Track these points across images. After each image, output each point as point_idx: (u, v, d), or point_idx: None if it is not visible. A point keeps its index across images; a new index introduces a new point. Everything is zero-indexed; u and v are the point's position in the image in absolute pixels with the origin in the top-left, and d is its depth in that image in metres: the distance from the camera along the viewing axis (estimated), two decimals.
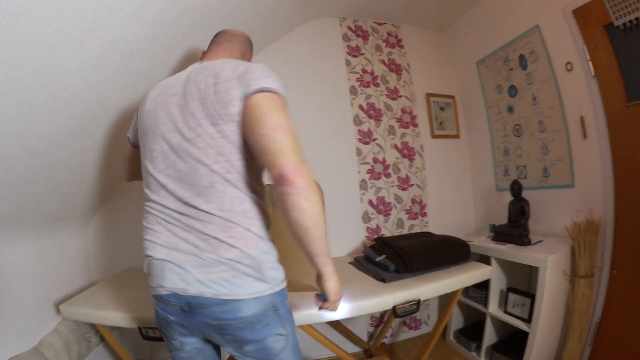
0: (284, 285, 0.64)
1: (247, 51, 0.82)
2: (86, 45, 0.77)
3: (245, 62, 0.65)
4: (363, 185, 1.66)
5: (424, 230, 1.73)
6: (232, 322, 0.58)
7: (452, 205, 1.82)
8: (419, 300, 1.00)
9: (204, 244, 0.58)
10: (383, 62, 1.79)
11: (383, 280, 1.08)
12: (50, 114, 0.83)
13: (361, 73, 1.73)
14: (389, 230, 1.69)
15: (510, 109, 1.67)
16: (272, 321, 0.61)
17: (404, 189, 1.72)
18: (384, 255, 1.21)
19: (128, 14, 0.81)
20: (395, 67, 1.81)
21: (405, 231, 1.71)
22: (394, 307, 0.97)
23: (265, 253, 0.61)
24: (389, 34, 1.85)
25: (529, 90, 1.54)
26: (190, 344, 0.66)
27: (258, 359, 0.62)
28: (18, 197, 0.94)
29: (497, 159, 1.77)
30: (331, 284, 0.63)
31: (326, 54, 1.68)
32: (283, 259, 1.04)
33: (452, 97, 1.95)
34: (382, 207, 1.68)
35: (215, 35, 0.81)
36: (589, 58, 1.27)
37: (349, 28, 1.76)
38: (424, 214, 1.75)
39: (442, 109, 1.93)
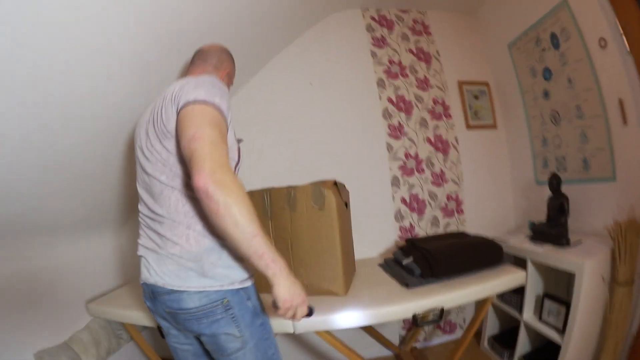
0: (242, 285, 0.67)
1: (222, 61, 0.86)
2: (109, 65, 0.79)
3: (196, 77, 0.69)
4: (395, 182, 1.57)
5: (460, 229, 1.61)
6: (179, 312, 0.65)
7: (491, 201, 1.69)
8: (442, 309, 0.92)
9: (160, 242, 0.67)
10: (411, 51, 1.69)
11: (407, 285, 1.03)
12: (78, 130, 0.87)
13: (388, 64, 1.64)
14: (423, 229, 1.59)
15: (546, 94, 1.52)
16: (222, 319, 0.65)
17: (438, 185, 1.62)
18: (410, 258, 1.15)
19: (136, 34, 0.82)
20: (424, 56, 1.71)
21: (440, 230, 1.61)
22: (414, 316, 0.91)
23: (209, 250, 0.65)
24: (414, 21, 1.74)
25: (564, 72, 1.39)
26: (165, 327, 0.75)
27: (215, 352, 0.69)
28: (52, 206, 0.99)
29: (535, 150, 1.62)
30: (278, 289, 0.60)
31: (350, 47, 1.61)
32: (301, 263, 1.03)
33: (486, 84, 1.81)
34: (415, 204, 1.59)
35: (193, 55, 0.89)
36: (622, 32, 1.11)
37: (372, 18, 1.68)
38: (460, 211, 1.64)
39: (476, 97, 1.79)
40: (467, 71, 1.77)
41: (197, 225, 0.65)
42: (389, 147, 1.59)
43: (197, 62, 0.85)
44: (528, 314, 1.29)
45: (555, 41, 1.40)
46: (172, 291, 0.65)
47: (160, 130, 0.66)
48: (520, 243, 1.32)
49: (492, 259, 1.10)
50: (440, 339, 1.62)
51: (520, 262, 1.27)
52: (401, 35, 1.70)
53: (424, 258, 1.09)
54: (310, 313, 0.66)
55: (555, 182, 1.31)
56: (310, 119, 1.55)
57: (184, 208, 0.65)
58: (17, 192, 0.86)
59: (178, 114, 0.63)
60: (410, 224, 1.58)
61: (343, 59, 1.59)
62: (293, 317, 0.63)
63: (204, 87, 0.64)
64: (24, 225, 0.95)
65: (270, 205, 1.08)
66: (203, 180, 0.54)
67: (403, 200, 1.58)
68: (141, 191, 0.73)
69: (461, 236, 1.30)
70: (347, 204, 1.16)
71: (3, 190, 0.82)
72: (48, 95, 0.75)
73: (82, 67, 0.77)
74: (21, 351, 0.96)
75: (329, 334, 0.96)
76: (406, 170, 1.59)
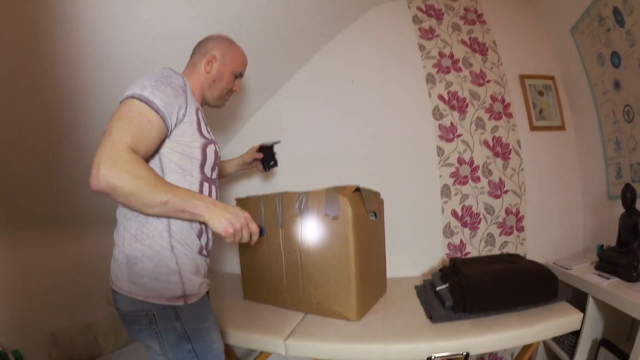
0: (170, 303, 0.63)
1: (207, 47, 0.80)
2: None
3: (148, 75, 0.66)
4: (445, 191, 1.38)
5: (519, 250, 1.38)
6: (117, 311, 0.67)
7: (557, 218, 1.43)
8: (467, 354, 0.76)
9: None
10: (463, 42, 1.50)
11: (431, 318, 0.89)
12: None
13: (438, 57, 1.46)
14: (475, 248, 1.38)
15: (616, 85, 1.25)
16: (146, 331, 0.64)
17: (496, 197, 1.39)
18: (446, 285, 0.99)
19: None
20: (478, 47, 1.50)
21: (495, 250, 1.38)
22: None
23: (139, 256, 0.63)
24: (466, 9, 1.54)
25: (634, 55, 1.12)
26: None
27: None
28: (86, 201, 1.03)
29: (607, 155, 1.34)
30: (212, 224, 0.61)
31: (395, 41, 1.47)
32: (310, 278, 0.92)
33: (551, 77, 1.56)
34: (468, 218, 1.38)
35: None
36: None
37: (419, 9, 1.51)
38: (520, 229, 1.40)
39: (540, 93, 1.54)
40: (529, 63, 1.53)
41: (131, 228, 0.64)
42: (440, 151, 1.40)
43: (192, 55, 0.82)
44: None
45: (619, 17, 1.15)
46: (112, 290, 0.67)
47: None
48: (583, 272, 1.07)
49: (544, 294, 0.90)
50: None
51: (581, 295, 1.03)
52: (452, 25, 1.51)
53: (459, 286, 0.92)
54: (261, 232, 0.67)
55: (629, 195, 1.03)
56: (350, 120, 1.44)
57: (123, 210, 0.67)
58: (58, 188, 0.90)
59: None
60: (461, 241, 1.38)
61: (387, 54, 1.45)
62: (249, 242, 0.65)
63: (139, 81, 0.62)
64: (62, 216, 1.03)
65: (282, 212, 0.99)
66: (92, 177, 0.53)
67: (454, 213, 1.38)
68: None
69: (512, 260, 1.08)
70: (376, 214, 1.02)
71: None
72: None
73: None
74: (35, 327, 1.03)
75: None
76: (459, 178, 1.39)
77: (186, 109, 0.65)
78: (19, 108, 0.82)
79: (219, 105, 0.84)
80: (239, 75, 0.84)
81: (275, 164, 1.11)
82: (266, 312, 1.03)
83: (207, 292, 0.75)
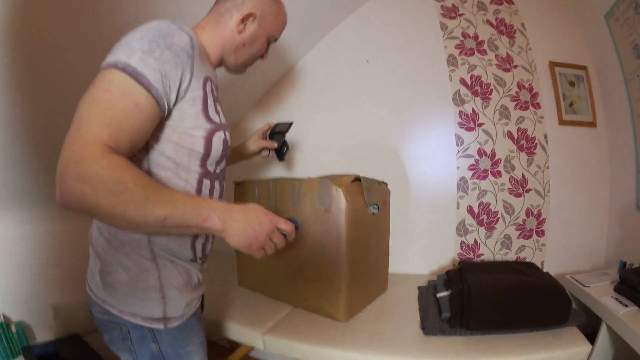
0: (147, 324, 0.52)
1: (227, 2, 0.60)
2: None
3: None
4: (462, 185, 1.25)
5: (535, 257, 1.25)
6: (90, 314, 0.57)
7: (581, 224, 1.29)
8: None
9: None
10: (489, 22, 1.35)
11: (424, 329, 0.83)
12: None
13: (461, 38, 1.32)
14: (490, 250, 1.25)
15: None
16: (119, 344, 0.55)
17: (517, 195, 1.26)
18: (449, 291, 0.90)
19: None
20: (505, 29, 1.35)
21: (511, 254, 1.26)
22: None
23: (115, 265, 0.51)
24: None
25: None
26: None
27: None
28: None
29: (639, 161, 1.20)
30: (231, 241, 0.47)
31: (415, 19, 1.34)
32: (300, 270, 0.87)
33: (583, 67, 1.41)
34: (485, 217, 1.25)
35: None
36: None
37: None
38: (540, 233, 1.26)
39: (571, 84, 1.40)
40: (560, 50, 1.38)
41: (104, 231, 0.52)
42: (459, 140, 1.26)
43: (216, 2, 0.63)
44: None
45: None
46: (87, 292, 0.57)
47: None
48: (600, 292, 0.94)
49: (554, 317, 0.80)
50: None
51: (593, 322, 0.90)
52: (477, 4, 1.37)
53: (460, 297, 0.84)
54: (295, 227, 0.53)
55: None
56: (364, 103, 1.32)
57: None
58: None
59: None
60: (475, 241, 1.25)
61: (406, 32, 1.32)
62: (275, 249, 0.51)
63: (125, 42, 0.45)
64: None
65: (276, 199, 0.91)
66: (57, 190, 0.38)
67: (470, 210, 1.25)
68: None
69: (526, 271, 0.98)
70: (379, 207, 0.93)
71: None
72: None
73: None
74: (38, 302, 1.03)
75: None
76: (478, 172, 1.26)
77: (190, 80, 0.48)
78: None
79: (240, 72, 0.67)
80: (273, 41, 0.67)
81: (288, 149, 0.95)
82: (255, 302, 0.98)
83: (201, 302, 0.64)
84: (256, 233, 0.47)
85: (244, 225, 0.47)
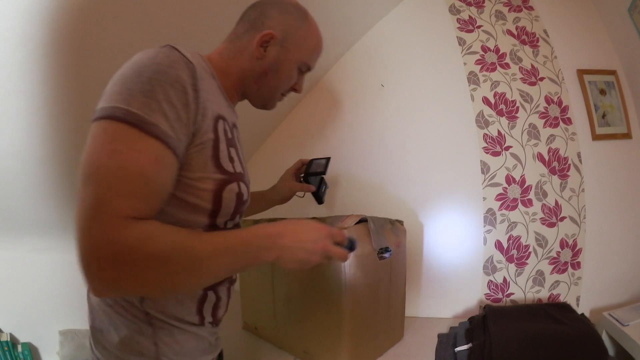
0: None
1: (264, 15, 0.51)
2: None
3: (143, 54, 0.40)
4: (490, 218, 1.13)
5: (570, 293, 1.12)
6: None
7: (619, 251, 1.16)
8: None
9: None
10: (510, 32, 1.24)
11: None
12: None
13: (481, 52, 1.21)
14: (520, 288, 1.14)
15: None
16: None
17: (551, 225, 1.14)
18: (469, 345, 0.82)
19: None
20: (528, 38, 1.24)
21: (544, 292, 1.13)
22: None
23: (107, 322, 0.45)
24: None
25: None
26: None
27: None
28: None
29: None
30: (286, 266, 0.42)
31: (430, 35, 1.24)
32: (298, 319, 0.83)
33: (613, 72, 1.29)
34: (515, 252, 1.13)
35: None
36: None
37: None
38: (575, 265, 1.14)
39: (602, 92, 1.27)
40: (587, 55, 1.26)
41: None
42: (485, 168, 1.15)
43: (236, 24, 0.55)
44: None
45: None
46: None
47: None
48: (639, 332, 0.83)
49: None
50: None
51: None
52: (495, 13, 1.26)
53: (481, 350, 0.76)
54: (351, 246, 0.48)
55: None
56: (378, 131, 1.22)
57: None
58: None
59: None
60: (504, 280, 1.13)
61: (421, 51, 1.22)
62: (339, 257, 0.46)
63: (120, 83, 0.37)
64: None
65: None
66: (87, 285, 0.33)
67: (498, 245, 1.13)
68: None
69: (558, 317, 0.89)
70: (387, 250, 0.83)
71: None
72: None
73: None
74: (47, 327, 1.08)
75: None
76: (507, 202, 1.14)
77: (196, 121, 0.39)
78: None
79: (267, 106, 0.57)
80: (305, 70, 0.56)
81: (327, 187, 0.84)
82: (258, 350, 0.91)
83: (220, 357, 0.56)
84: (309, 255, 0.43)
85: (295, 251, 0.42)
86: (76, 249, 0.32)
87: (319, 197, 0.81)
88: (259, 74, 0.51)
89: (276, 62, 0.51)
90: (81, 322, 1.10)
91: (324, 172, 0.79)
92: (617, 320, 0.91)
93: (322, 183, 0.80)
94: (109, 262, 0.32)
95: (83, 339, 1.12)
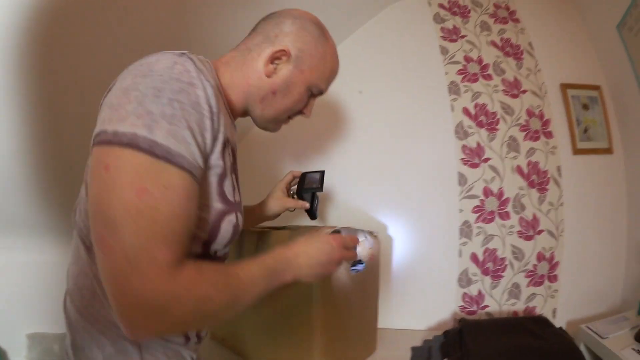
0: None
1: (280, 28, 0.47)
2: None
3: (147, 62, 0.36)
4: (466, 230, 1.12)
5: (546, 305, 1.12)
6: None
7: (597, 265, 1.16)
8: None
9: None
10: (494, 44, 1.24)
11: None
12: None
13: (464, 62, 1.20)
14: (496, 301, 1.13)
15: None
16: None
17: (528, 238, 1.13)
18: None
19: None
20: (512, 50, 1.24)
21: (520, 304, 1.12)
22: None
23: (89, 340, 0.42)
24: (496, 5, 1.30)
25: None
26: None
27: None
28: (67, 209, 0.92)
29: None
30: (303, 281, 0.46)
31: (412, 43, 1.23)
32: (268, 333, 0.80)
33: (597, 87, 1.29)
34: (491, 264, 1.12)
35: None
36: None
37: (441, 6, 1.27)
38: (552, 278, 1.13)
39: (585, 107, 1.28)
40: (571, 70, 1.27)
41: (75, 299, 0.42)
42: (462, 179, 1.14)
43: (247, 35, 0.51)
44: None
45: None
46: None
47: None
48: (619, 344, 0.83)
49: None
50: None
51: None
52: (480, 24, 1.26)
53: None
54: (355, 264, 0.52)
55: None
56: (355, 139, 1.20)
57: (75, 258, 0.44)
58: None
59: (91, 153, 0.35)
60: (479, 292, 1.12)
61: (402, 59, 1.21)
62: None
63: (137, 103, 0.32)
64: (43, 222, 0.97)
65: (241, 252, 0.83)
66: (131, 336, 0.32)
67: (474, 258, 1.12)
68: None
69: (536, 331, 0.87)
70: (359, 262, 0.81)
71: None
72: None
73: None
74: (14, 330, 1.02)
75: None
76: (483, 214, 1.13)
77: (212, 146, 0.37)
78: None
79: (269, 128, 0.54)
80: (317, 93, 0.52)
81: (319, 201, 0.79)
82: None
83: None
84: (324, 269, 0.47)
85: (312, 267, 0.45)
86: (113, 300, 0.30)
87: (312, 213, 0.75)
88: (266, 93, 0.47)
89: (287, 82, 0.47)
90: (49, 326, 1.07)
91: (320, 188, 0.73)
92: (596, 333, 0.90)
93: (314, 197, 0.75)
94: (157, 314, 0.30)
95: (51, 343, 1.07)
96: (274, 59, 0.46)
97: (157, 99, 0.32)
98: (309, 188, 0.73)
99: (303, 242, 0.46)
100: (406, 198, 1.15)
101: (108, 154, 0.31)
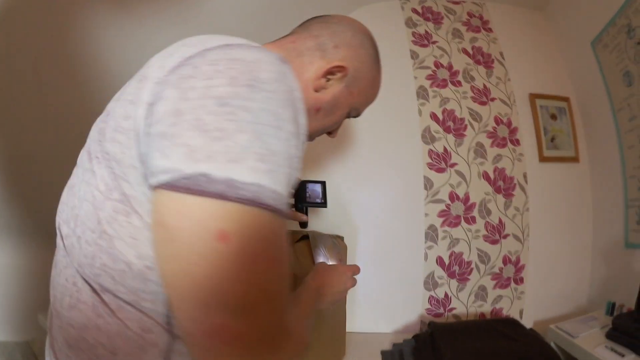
0: None
1: (338, 38, 0.41)
2: None
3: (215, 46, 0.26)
4: (431, 234, 1.12)
5: (513, 307, 1.13)
6: None
7: (563, 267, 1.19)
8: None
9: None
10: (465, 51, 1.26)
11: None
12: None
13: (433, 68, 1.22)
14: (462, 303, 1.13)
15: None
16: None
17: (493, 242, 1.14)
18: None
19: None
20: (483, 59, 1.26)
21: (487, 306, 1.13)
22: None
23: None
24: (469, 14, 1.32)
25: None
26: None
27: None
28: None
29: (629, 195, 1.11)
30: (327, 303, 0.49)
31: (384, 45, 1.20)
32: None
33: (566, 99, 1.33)
34: (456, 268, 1.13)
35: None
36: None
37: (414, 11, 1.28)
38: (519, 281, 1.15)
39: (553, 117, 1.31)
40: (541, 81, 1.30)
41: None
42: (428, 184, 1.14)
43: (293, 33, 0.44)
44: None
45: None
46: None
47: (118, 175, 0.28)
48: (591, 343, 0.85)
49: None
50: None
51: None
52: (452, 31, 1.28)
53: None
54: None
55: None
56: (319, 140, 1.16)
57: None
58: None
59: (153, 194, 0.25)
60: (446, 295, 1.12)
61: None
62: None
63: (251, 129, 0.23)
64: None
65: None
66: None
67: (440, 261, 1.12)
68: None
69: (509, 333, 0.88)
70: None
71: None
72: None
73: None
74: None
75: None
76: (449, 218, 1.13)
77: None
78: None
79: None
80: (354, 116, 0.48)
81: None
82: None
83: None
84: (340, 296, 0.51)
85: (333, 295, 0.49)
86: None
87: (304, 224, 0.69)
88: (309, 108, 0.39)
89: (334, 102, 0.42)
90: (12, 334, 1.03)
91: (324, 204, 0.65)
92: (566, 333, 0.92)
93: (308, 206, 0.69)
94: None
95: (12, 352, 1.02)
96: (329, 73, 0.40)
97: (278, 132, 0.24)
98: (311, 202, 0.66)
99: (324, 274, 0.49)
100: (372, 201, 1.14)
101: (222, 217, 0.22)
